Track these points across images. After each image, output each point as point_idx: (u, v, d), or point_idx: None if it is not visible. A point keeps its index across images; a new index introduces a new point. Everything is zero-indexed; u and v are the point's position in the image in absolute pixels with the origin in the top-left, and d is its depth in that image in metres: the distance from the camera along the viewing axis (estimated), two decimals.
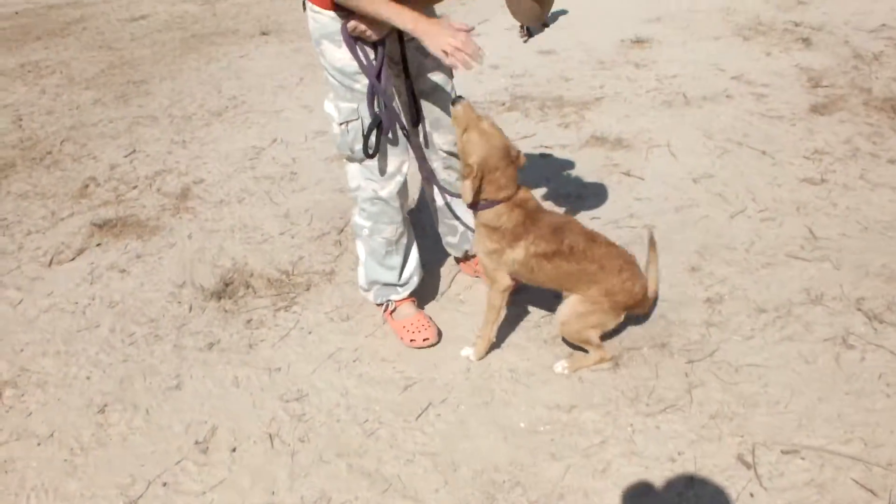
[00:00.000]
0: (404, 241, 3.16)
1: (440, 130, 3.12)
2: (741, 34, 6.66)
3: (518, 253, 2.85)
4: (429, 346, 3.19)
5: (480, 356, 3.10)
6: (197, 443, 2.82)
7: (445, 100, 3.01)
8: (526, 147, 4.86)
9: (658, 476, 2.60)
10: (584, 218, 4.02)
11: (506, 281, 2.95)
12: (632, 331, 3.23)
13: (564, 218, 2.97)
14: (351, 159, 2.92)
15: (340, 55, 2.67)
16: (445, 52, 2.50)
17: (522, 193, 2.83)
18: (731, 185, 4.31)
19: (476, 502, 2.53)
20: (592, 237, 2.91)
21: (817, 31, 6.63)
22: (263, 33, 7.64)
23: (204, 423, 2.90)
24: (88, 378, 3.17)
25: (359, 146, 2.79)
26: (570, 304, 2.94)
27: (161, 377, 3.13)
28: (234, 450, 2.78)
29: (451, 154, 3.18)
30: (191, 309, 3.51)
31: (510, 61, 6.34)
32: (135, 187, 4.70)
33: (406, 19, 2.52)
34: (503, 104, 5.52)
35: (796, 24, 6.83)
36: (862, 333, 3.16)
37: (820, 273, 3.54)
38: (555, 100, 5.55)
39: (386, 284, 3.24)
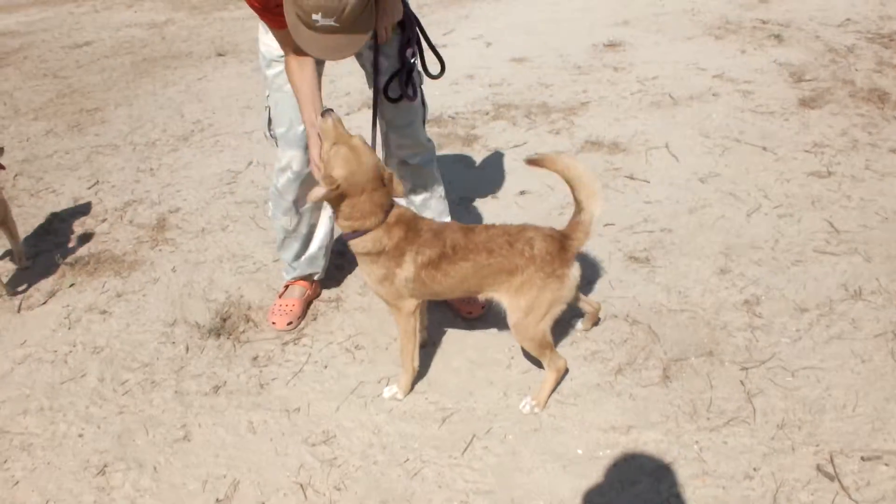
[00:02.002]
0: (303, 231, 3.20)
1: (396, 133, 2.98)
2: (712, 33, 6.61)
3: (407, 269, 2.59)
4: (274, 329, 3.23)
5: (407, 391, 2.84)
6: (218, 501, 2.50)
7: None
8: (520, 156, 4.66)
9: (739, 496, 2.38)
10: (598, 225, 3.81)
11: (411, 304, 2.68)
12: (675, 340, 3.02)
13: (444, 223, 2.76)
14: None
15: (268, 39, 2.74)
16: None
17: (397, 210, 2.60)
18: (740, 183, 4.17)
19: None
20: (470, 228, 2.66)
21: (786, 28, 6.62)
22: (220, 54, 7.29)
23: (223, 478, 2.58)
24: (81, 436, 2.82)
25: (267, 133, 2.98)
26: (512, 307, 2.63)
27: (165, 428, 2.80)
28: None
29: (403, 163, 3.06)
30: (188, 349, 3.18)
31: (484, 70, 6.15)
32: (104, 220, 4.33)
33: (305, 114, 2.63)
34: (487, 113, 5.31)
35: (764, 22, 6.82)
36: None
37: (852, 267, 3.40)
38: (539, 106, 5.37)
39: (288, 263, 3.32)
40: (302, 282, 3.34)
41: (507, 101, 5.51)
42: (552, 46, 6.62)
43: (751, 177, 4.24)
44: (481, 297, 2.72)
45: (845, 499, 2.35)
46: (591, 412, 2.74)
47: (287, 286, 3.35)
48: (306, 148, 2.81)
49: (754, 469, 2.47)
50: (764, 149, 4.54)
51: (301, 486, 2.52)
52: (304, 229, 3.19)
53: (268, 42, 2.75)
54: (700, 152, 4.55)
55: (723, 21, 6.91)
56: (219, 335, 3.23)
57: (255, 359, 3.10)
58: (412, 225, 2.60)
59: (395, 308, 2.71)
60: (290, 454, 2.65)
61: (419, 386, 2.91)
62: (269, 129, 2.96)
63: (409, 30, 2.76)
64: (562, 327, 3.08)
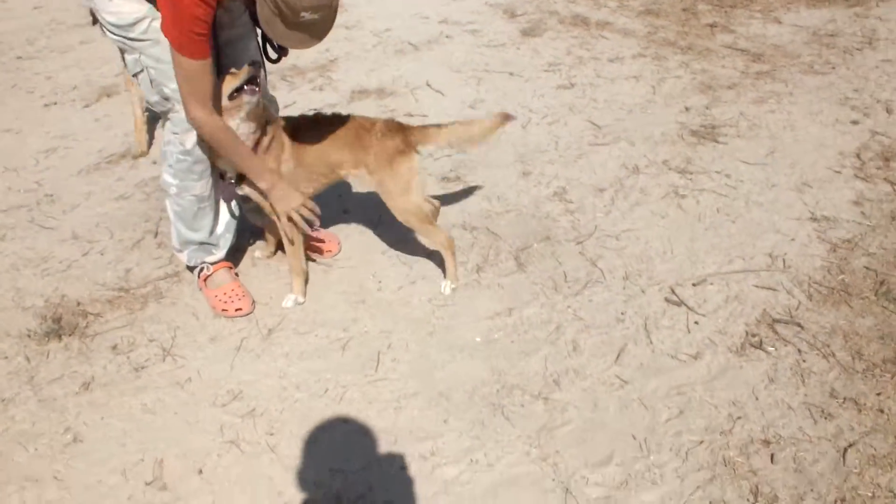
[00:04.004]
0: (214, 195, 2.98)
1: None
2: None
3: (286, 148, 2.85)
4: (241, 316, 2.99)
5: (304, 292, 3.05)
6: (148, 483, 2.34)
7: (245, 51, 2.86)
8: (293, 114, 4.69)
9: (620, 336, 2.79)
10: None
11: None
12: (514, 235, 3.37)
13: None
14: (157, 112, 2.77)
15: (113, 8, 2.51)
16: (290, 218, 2.78)
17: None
18: (505, 104, 4.64)
19: (488, 416, 2.49)
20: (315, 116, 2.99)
21: None
22: None
23: (141, 462, 2.41)
24: None
25: (153, 97, 2.67)
26: (377, 187, 2.89)
27: (46, 438, 2.51)
28: (200, 471, 2.36)
29: None
30: (28, 359, 2.84)
31: None
32: None
33: (263, 177, 2.70)
34: None
35: None
36: (684, 185, 3.68)
37: (623, 151, 4.01)
38: (290, 69, 5.40)
39: (201, 244, 3.03)
40: (223, 263, 3.10)
41: None
42: None
43: (510, 97, 4.72)
44: (349, 175, 2.93)
45: (694, 315, 2.86)
46: (471, 307, 2.97)
47: (207, 278, 3.06)
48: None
49: (622, 314, 2.89)
50: (511, 74, 5.06)
51: (232, 442, 2.45)
52: (215, 191, 2.95)
53: (115, 10, 2.49)
54: (459, 85, 4.95)
55: None
56: (60, 336, 2.93)
57: (114, 348, 2.87)
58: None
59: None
60: (203, 419, 2.54)
61: (304, 327, 2.92)
62: (155, 90, 2.63)
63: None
64: (413, 245, 3.28)
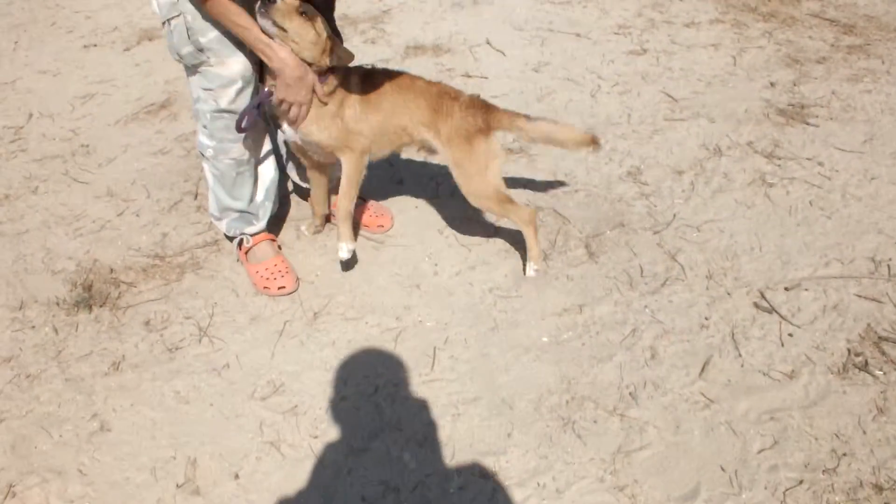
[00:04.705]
0: (254, 157, 2.72)
1: None
2: None
3: (354, 99, 2.55)
4: (284, 295, 2.73)
5: (352, 238, 2.68)
6: (179, 486, 2.12)
7: None
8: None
9: (704, 345, 2.49)
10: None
11: (363, 141, 2.60)
12: (584, 219, 3.07)
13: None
14: (183, 65, 2.45)
15: None
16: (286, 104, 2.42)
17: None
18: (571, 69, 4.28)
19: (556, 431, 2.22)
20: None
21: None
22: None
23: (172, 459, 2.19)
24: None
25: (186, 49, 2.35)
26: (450, 163, 2.63)
27: (72, 424, 2.31)
28: (236, 476, 2.13)
29: None
30: (56, 331, 2.63)
31: None
32: None
33: (275, 52, 2.30)
34: None
35: None
36: (772, 171, 3.32)
37: (702, 129, 3.65)
38: (342, 18, 5.04)
39: (241, 213, 2.78)
40: (265, 235, 2.85)
41: None
42: None
43: (578, 62, 4.36)
44: (418, 136, 2.65)
45: (788, 326, 2.55)
46: (538, 300, 2.69)
47: (248, 251, 2.81)
48: (248, 49, 2.38)
49: (706, 318, 2.59)
50: (578, 35, 4.68)
51: (271, 444, 2.22)
52: (255, 154, 2.71)
53: None
54: (521, 44, 4.59)
55: None
56: (90, 307, 2.71)
57: (147, 323, 2.65)
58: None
59: (348, 149, 2.58)
60: (242, 414, 2.31)
61: (353, 313, 2.67)
62: (191, 41, 2.33)
63: None
64: (473, 224, 3.00)
